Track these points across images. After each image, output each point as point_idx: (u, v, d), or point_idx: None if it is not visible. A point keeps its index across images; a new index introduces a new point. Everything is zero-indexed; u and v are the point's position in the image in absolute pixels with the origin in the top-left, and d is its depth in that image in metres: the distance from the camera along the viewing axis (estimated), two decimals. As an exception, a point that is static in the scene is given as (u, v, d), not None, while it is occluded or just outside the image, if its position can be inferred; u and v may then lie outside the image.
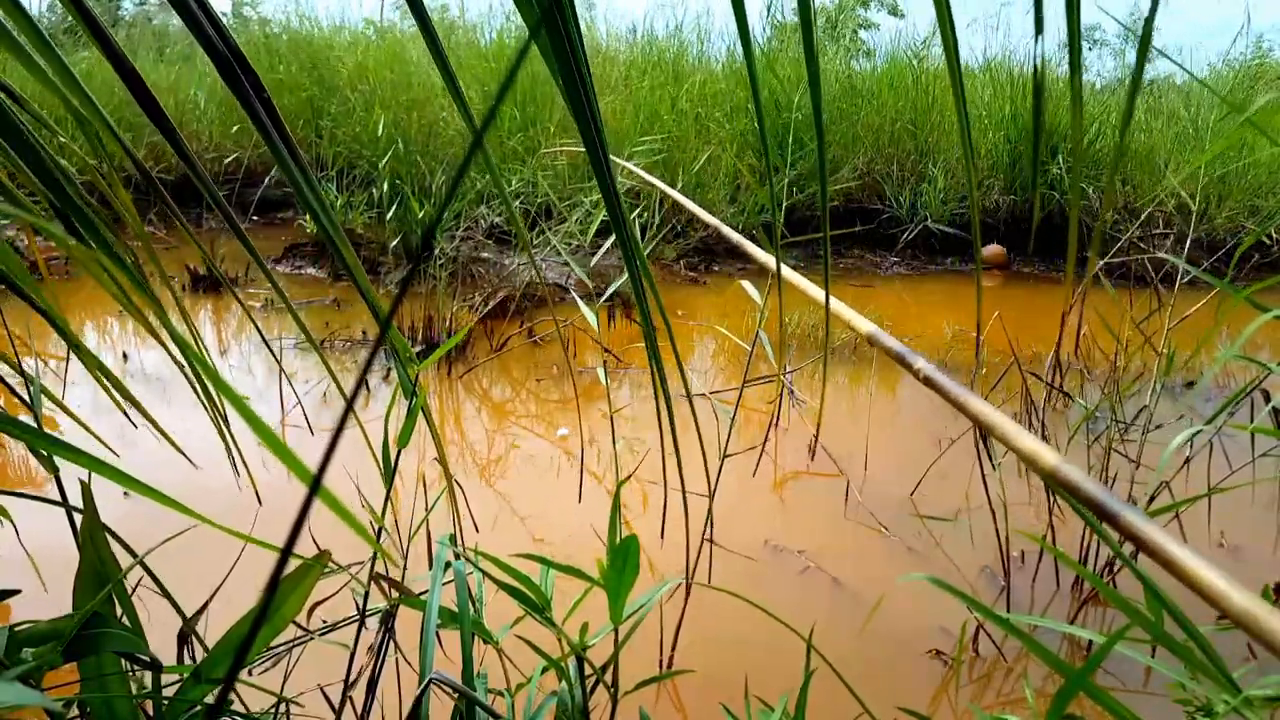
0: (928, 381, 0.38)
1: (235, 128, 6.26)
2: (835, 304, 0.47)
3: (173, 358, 0.76)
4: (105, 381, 0.81)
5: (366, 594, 0.94)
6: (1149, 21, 0.36)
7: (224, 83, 0.54)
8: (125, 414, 0.82)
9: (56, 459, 0.65)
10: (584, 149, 0.49)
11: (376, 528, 0.95)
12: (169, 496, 0.53)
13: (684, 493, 0.90)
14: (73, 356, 0.79)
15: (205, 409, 0.79)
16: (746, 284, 1.86)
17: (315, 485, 0.25)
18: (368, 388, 3.02)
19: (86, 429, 0.87)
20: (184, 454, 0.80)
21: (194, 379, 0.77)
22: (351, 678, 0.96)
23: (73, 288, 4.16)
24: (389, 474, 0.89)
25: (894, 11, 11.28)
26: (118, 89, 6.24)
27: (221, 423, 0.80)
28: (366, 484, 1.63)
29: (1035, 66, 0.36)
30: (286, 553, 0.24)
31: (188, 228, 0.71)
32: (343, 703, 0.92)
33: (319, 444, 2.32)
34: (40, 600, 1.04)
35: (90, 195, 0.76)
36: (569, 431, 2.72)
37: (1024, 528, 2.07)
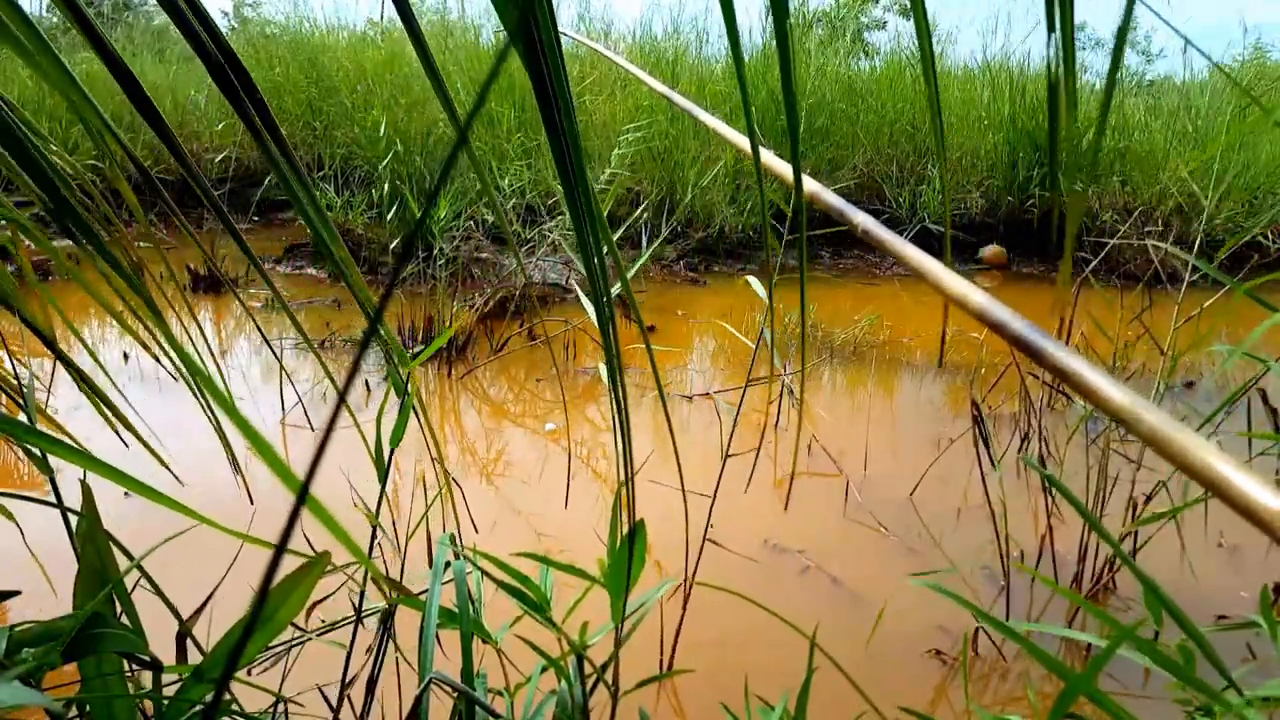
0: (865, 234, 0.39)
1: (240, 131, 6.27)
2: (778, 163, 0.47)
3: (167, 365, 0.76)
4: (97, 400, 0.81)
5: (363, 594, 0.94)
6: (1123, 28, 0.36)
7: (219, 89, 0.54)
8: (117, 433, 0.82)
9: (56, 459, 0.65)
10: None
11: (371, 528, 0.96)
12: (167, 496, 0.53)
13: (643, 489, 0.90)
14: (76, 350, 0.79)
15: (206, 415, 0.79)
16: (753, 280, 1.86)
17: (303, 494, 0.25)
18: (368, 387, 3.02)
19: (127, 426, 0.87)
20: (171, 471, 0.80)
21: (193, 386, 0.77)
22: (351, 677, 0.96)
23: (68, 288, 4.15)
24: (383, 474, 0.89)
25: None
26: (118, 93, 6.24)
27: (219, 427, 0.80)
28: (363, 482, 1.63)
29: (1049, 65, 0.37)
30: (276, 561, 0.24)
31: (187, 227, 0.71)
32: (340, 701, 0.92)
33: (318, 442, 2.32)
34: (41, 600, 1.03)
35: (87, 198, 0.76)
36: (556, 426, 2.72)
37: (1022, 527, 2.07)
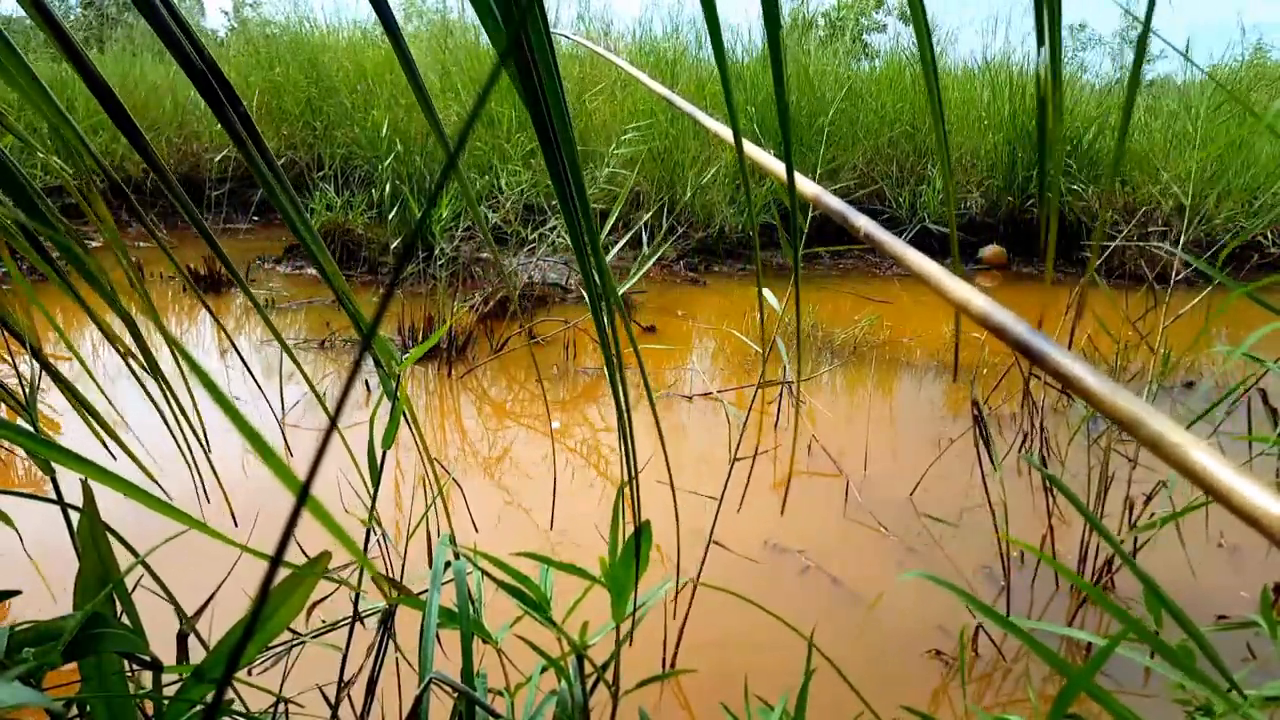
0: (868, 238, 0.39)
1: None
2: (770, 161, 0.48)
3: (136, 371, 0.76)
4: (86, 414, 0.81)
5: (358, 594, 0.94)
6: (1145, 27, 0.36)
7: (203, 99, 0.54)
8: (105, 445, 0.82)
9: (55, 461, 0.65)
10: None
11: (367, 529, 0.96)
12: (161, 501, 0.53)
13: (650, 490, 0.90)
14: (80, 347, 0.79)
15: (177, 423, 0.79)
16: (768, 293, 1.86)
17: (302, 497, 0.24)
18: (368, 387, 3.02)
19: (113, 436, 0.87)
20: (158, 482, 0.80)
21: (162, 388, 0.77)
22: (350, 677, 0.96)
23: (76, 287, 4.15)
24: (375, 475, 0.89)
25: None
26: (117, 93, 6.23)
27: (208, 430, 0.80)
28: (361, 482, 1.63)
29: (1038, 74, 0.37)
30: (275, 563, 0.24)
31: (158, 239, 0.71)
32: (338, 700, 0.92)
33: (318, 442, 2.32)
34: (41, 600, 1.03)
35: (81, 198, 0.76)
36: (560, 425, 2.72)
37: (1023, 528, 2.07)
